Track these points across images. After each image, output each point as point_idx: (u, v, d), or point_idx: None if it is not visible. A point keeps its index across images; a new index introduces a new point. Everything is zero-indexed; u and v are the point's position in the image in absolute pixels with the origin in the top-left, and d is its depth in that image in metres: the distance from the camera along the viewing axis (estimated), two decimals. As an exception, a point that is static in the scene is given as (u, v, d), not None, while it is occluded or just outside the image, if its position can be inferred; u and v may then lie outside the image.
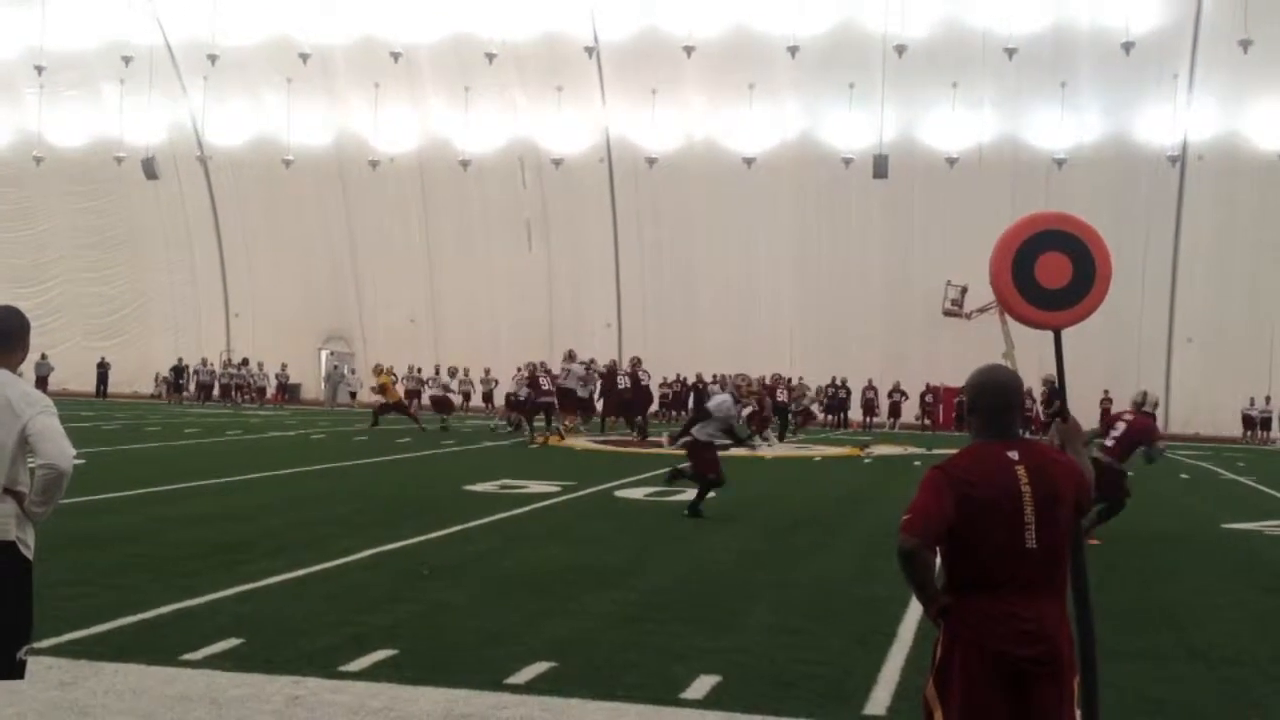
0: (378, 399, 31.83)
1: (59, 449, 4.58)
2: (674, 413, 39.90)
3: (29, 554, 4.71)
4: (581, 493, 15.92)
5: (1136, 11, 38.21)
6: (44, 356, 42.62)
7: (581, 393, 30.23)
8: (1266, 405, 38.03)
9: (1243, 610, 9.42)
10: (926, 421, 39.49)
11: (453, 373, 36.94)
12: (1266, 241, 38.55)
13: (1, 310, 4.86)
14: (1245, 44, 36.76)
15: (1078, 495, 4.04)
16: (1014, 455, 3.94)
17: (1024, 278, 5.53)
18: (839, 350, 40.77)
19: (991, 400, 4.09)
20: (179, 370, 46.13)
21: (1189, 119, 39.37)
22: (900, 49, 39.19)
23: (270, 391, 46.22)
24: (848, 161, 40.76)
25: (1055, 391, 17.32)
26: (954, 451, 4.09)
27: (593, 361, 32.09)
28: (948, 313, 35.18)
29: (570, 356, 31.18)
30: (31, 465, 4.67)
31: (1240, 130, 39.15)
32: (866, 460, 24.90)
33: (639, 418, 30.70)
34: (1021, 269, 5.53)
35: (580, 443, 26.44)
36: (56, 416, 4.72)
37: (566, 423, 29.26)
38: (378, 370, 31.99)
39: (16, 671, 4.71)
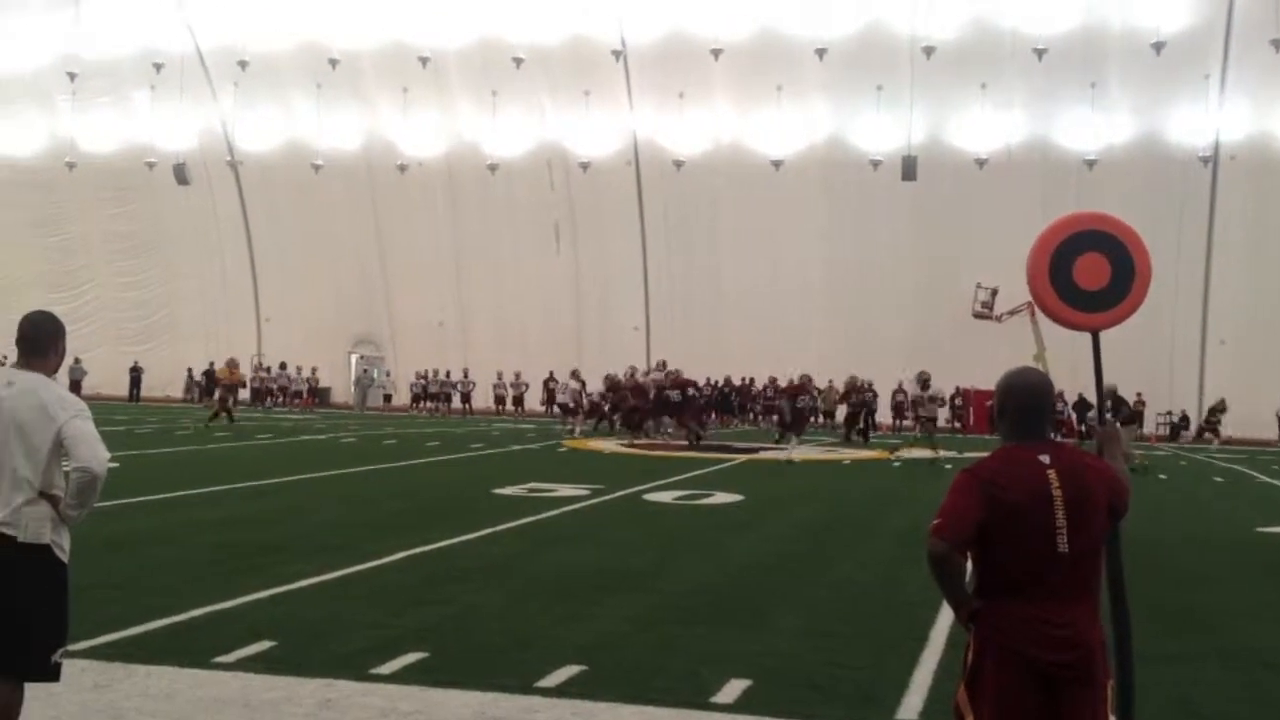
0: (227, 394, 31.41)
1: (93, 452, 4.61)
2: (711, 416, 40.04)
3: (64, 557, 4.74)
4: (610, 496, 15.92)
5: (1167, 11, 37.99)
6: (77, 361, 42.95)
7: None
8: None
9: (1277, 614, 9.32)
10: (957, 424, 39.28)
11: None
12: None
13: (36, 315, 4.89)
14: (1277, 43, 36.49)
15: (1111, 500, 3.99)
16: (1045, 459, 3.90)
17: (1062, 279, 5.46)
18: (867, 353, 40.58)
19: (1022, 403, 4.04)
20: (210, 374, 46.41)
21: (1221, 119, 39.11)
22: (928, 50, 39.07)
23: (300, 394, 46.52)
24: (876, 163, 40.66)
25: (1118, 399, 17.25)
26: (984, 454, 4.05)
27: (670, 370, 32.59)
28: (978, 315, 35.02)
29: (661, 366, 32.50)
30: (66, 469, 4.69)
31: (1273, 130, 38.88)
32: (896, 463, 24.81)
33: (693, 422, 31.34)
34: (1059, 270, 5.47)
35: (609, 446, 26.44)
36: (91, 420, 4.75)
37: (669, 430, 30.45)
38: (233, 364, 31.90)
39: (52, 674, 4.74)
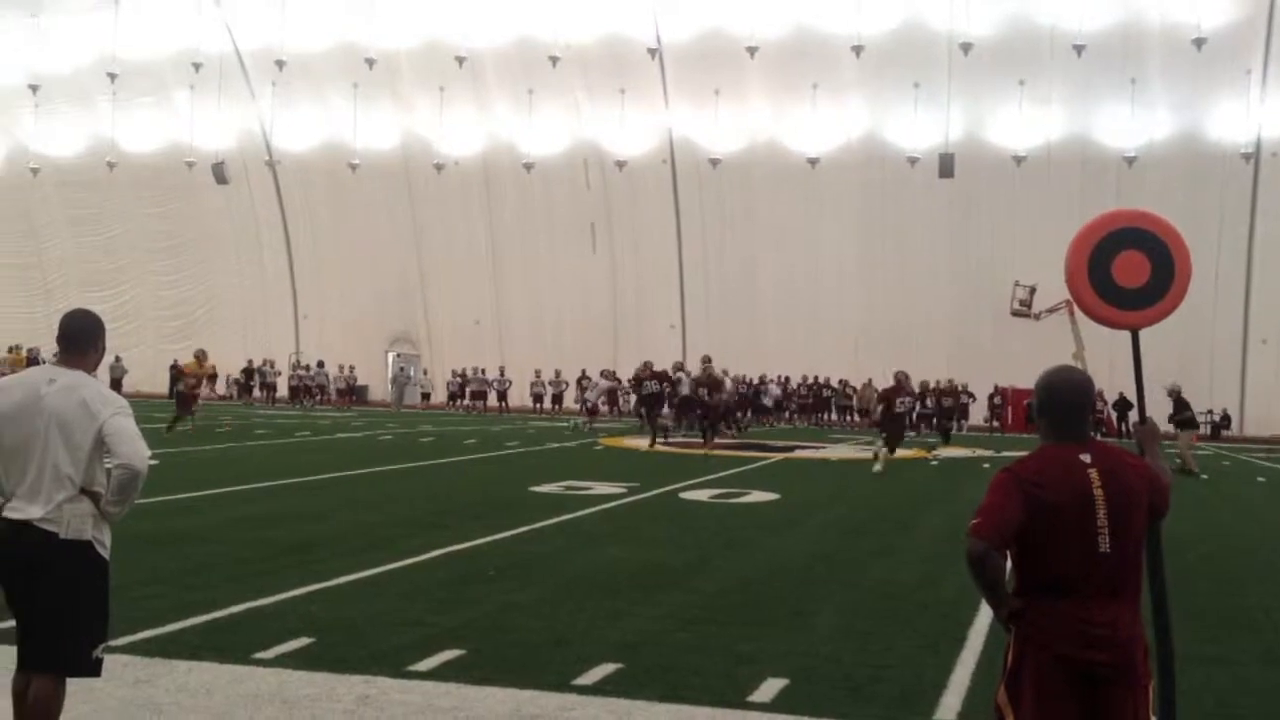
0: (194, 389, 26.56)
1: (134, 449, 4.65)
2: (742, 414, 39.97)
3: (105, 553, 4.78)
4: (646, 494, 15.92)
5: (1208, 7, 37.61)
6: (118, 359, 43.39)
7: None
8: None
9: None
10: (995, 423, 39.05)
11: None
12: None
13: (77, 313, 4.94)
14: (1320, 39, 36.12)
15: (1152, 499, 3.97)
16: (1086, 458, 3.87)
17: (1101, 276, 5.41)
18: (904, 351, 40.40)
19: (1063, 401, 4.01)
20: (249, 372, 46.80)
21: (1262, 115, 38.67)
22: (966, 47, 38.87)
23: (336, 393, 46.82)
24: (913, 161, 40.48)
25: (1182, 400, 17.05)
26: (1023, 454, 4.01)
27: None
28: (1016, 313, 34.86)
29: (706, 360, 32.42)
30: (107, 465, 4.73)
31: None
32: (934, 462, 24.68)
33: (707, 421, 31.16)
34: (1098, 267, 5.42)
35: (644, 444, 26.45)
36: (132, 417, 4.79)
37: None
38: (201, 356, 27.06)
39: (93, 669, 4.78)
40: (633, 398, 34.08)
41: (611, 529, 12.78)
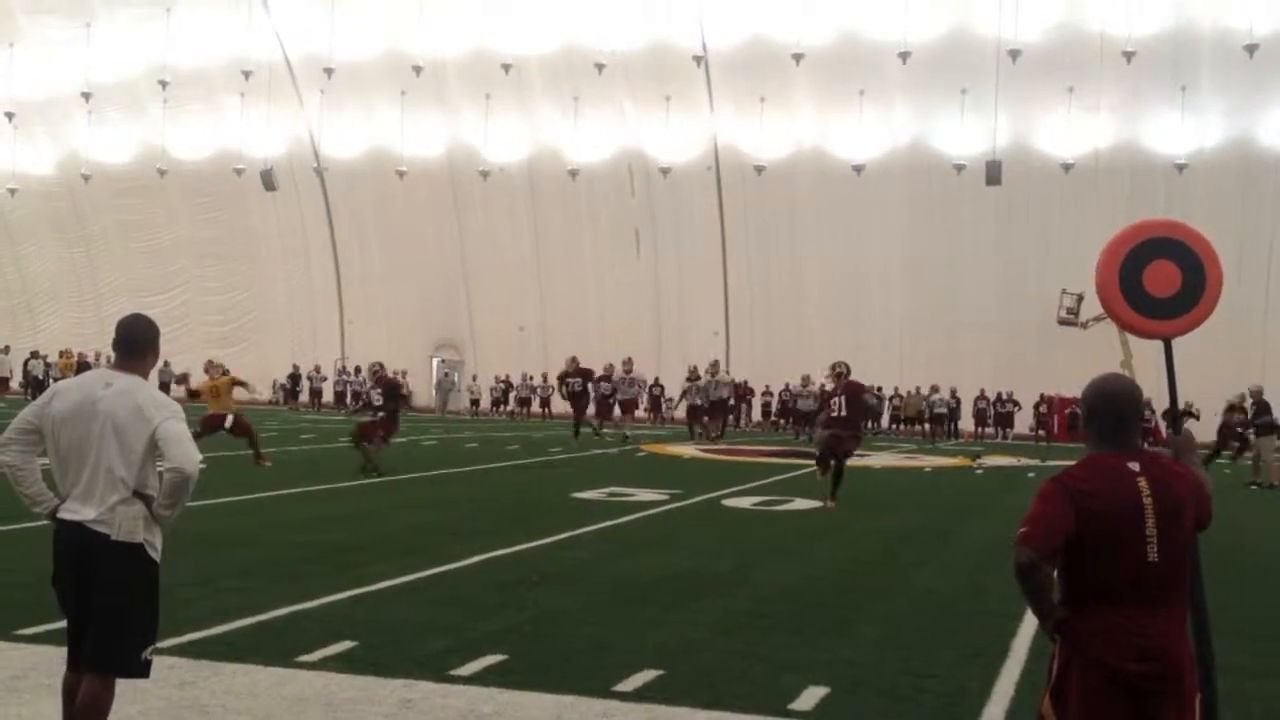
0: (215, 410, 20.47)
1: (185, 453, 4.73)
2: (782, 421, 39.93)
3: (156, 556, 4.86)
4: (688, 501, 15.93)
5: (1260, 12, 37.13)
6: (167, 364, 43.86)
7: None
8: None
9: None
10: (1041, 432, 38.76)
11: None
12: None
13: (131, 318, 5.03)
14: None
15: (1198, 508, 3.95)
16: (1135, 467, 3.86)
17: (1132, 286, 5.42)
18: (951, 359, 40.28)
19: (1112, 410, 4.00)
20: (295, 377, 47.17)
21: (1315, 121, 38.17)
22: (1014, 53, 38.58)
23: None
24: (960, 168, 40.23)
25: (1263, 404, 16.80)
26: (1069, 463, 4.01)
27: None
28: (1063, 321, 34.56)
29: (715, 368, 32.53)
30: (159, 469, 4.81)
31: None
32: (978, 471, 24.52)
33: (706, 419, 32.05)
34: (1129, 277, 5.42)
35: (688, 451, 26.46)
36: (184, 422, 4.87)
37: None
38: (211, 369, 21.71)
39: (142, 670, 4.85)
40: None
41: (653, 536, 12.80)
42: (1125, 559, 3.76)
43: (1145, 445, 4.15)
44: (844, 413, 15.85)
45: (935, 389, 39.70)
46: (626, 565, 10.65)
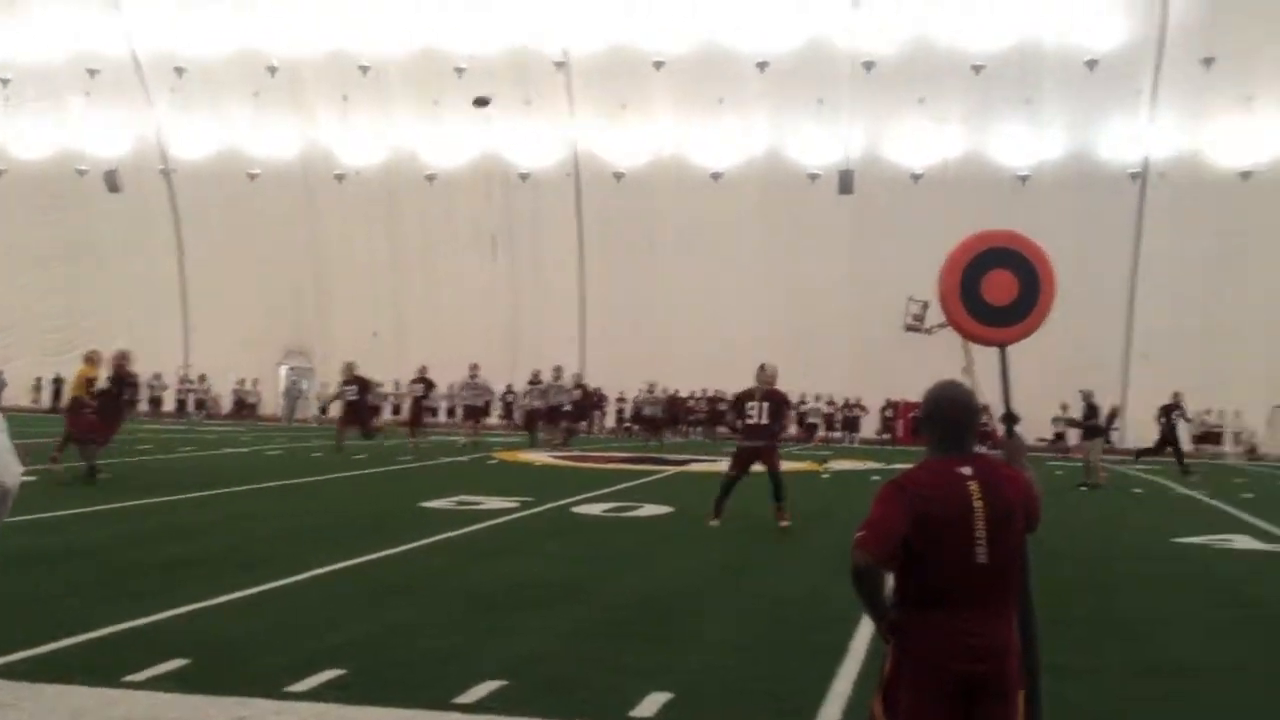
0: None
1: (4, 466, 4.53)
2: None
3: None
4: (539, 509, 15.85)
5: (1101, 29, 38.62)
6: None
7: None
8: (1216, 419, 38.45)
9: (1193, 624, 9.47)
10: (887, 436, 39.60)
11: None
12: (1225, 258, 38.89)
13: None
14: (1208, 61, 37.30)
15: (1027, 511, 4.07)
16: (967, 471, 3.96)
17: (971, 294, 5.58)
18: (806, 365, 40.77)
19: (946, 416, 4.10)
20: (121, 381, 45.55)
21: (1151, 136, 39.73)
22: (868, 65, 39.53)
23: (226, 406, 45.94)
24: (814, 177, 40.98)
25: (1092, 407, 17.17)
26: (910, 466, 4.10)
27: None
28: (909, 328, 35.26)
29: (558, 372, 32.37)
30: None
31: (1201, 148, 39.52)
32: (825, 476, 24.90)
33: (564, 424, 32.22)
34: (969, 285, 5.58)
35: (539, 458, 26.35)
36: (6, 433, 4.66)
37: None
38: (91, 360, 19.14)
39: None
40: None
41: (502, 545, 12.70)
42: (956, 561, 3.85)
43: (985, 448, 4.27)
44: (765, 420, 14.50)
45: (804, 398, 40.10)
46: (473, 575, 10.55)
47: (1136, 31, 38.78)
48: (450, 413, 36.51)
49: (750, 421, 14.45)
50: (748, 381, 14.99)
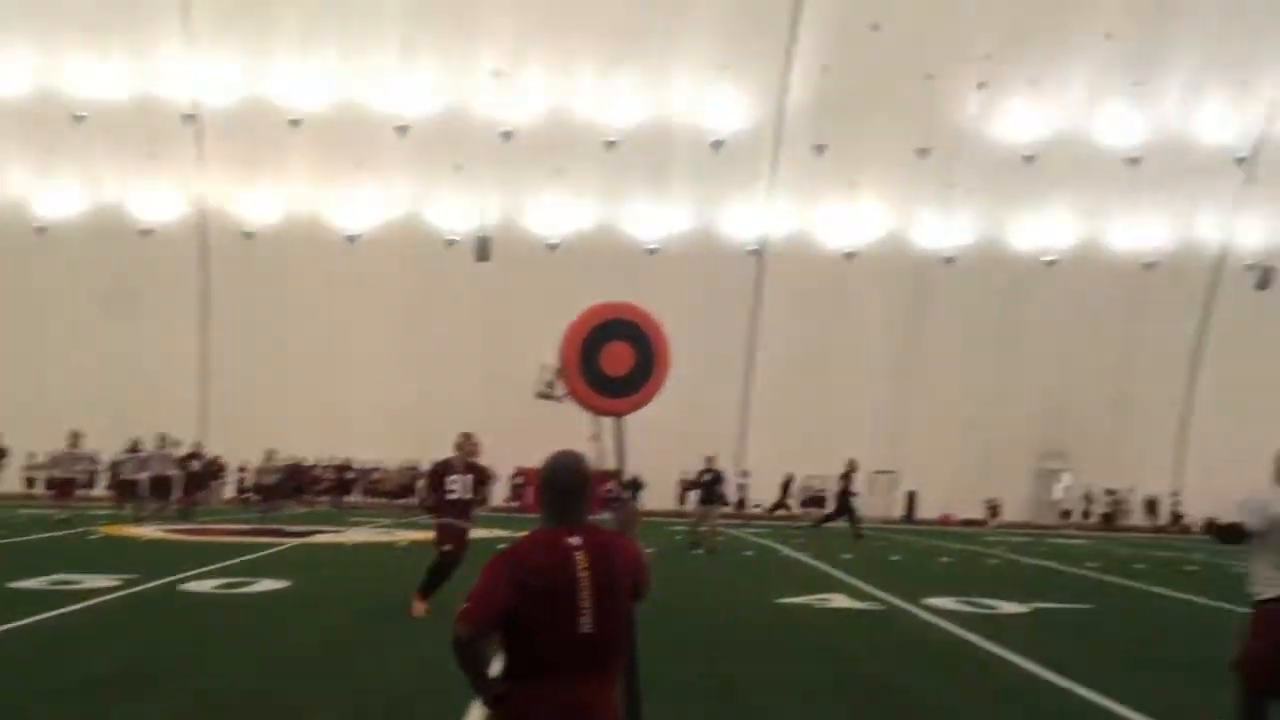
0: None
1: None
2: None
3: None
4: (143, 586, 14.72)
5: (726, 113, 40.75)
6: None
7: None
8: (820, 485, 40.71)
9: (792, 685, 9.75)
10: (515, 503, 39.76)
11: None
12: (832, 331, 41.62)
13: None
14: (819, 148, 40.05)
15: (635, 580, 4.12)
16: (575, 541, 3.99)
17: (591, 365, 5.57)
18: (441, 432, 40.20)
19: (559, 485, 4.12)
20: None
21: (769, 215, 42.09)
22: (506, 135, 39.98)
23: None
24: (451, 243, 40.94)
25: (716, 476, 17.25)
26: (521, 535, 4.09)
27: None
28: (541, 395, 35.58)
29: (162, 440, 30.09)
30: None
31: (813, 228, 42.27)
32: (447, 546, 24.16)
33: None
34: (589, 357, 5.57)
35: (149, 532, 24.66)
36: None
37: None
38: None
39: None
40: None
41: (98, 627, 11.68)
42: (560, 631, 3.87)
43: (604, 516, 4.34)
44: (469, 495, 13.23)
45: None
46: (64, 663, 9.59)
47: (758, 117, 41.15)
48: (50, 484, 33.46)
49: (453, 497, 13.13)
50: (380, 448, 14.53)
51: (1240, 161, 41.29)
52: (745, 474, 40.92)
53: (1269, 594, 6.93)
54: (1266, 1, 38.29)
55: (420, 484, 24.23)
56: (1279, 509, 6.87)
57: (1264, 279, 40.78)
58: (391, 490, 39.54)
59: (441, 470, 13.31)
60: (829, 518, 31.40)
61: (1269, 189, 41.23)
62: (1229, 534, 7.05)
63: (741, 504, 40.36)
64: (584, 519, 4.11)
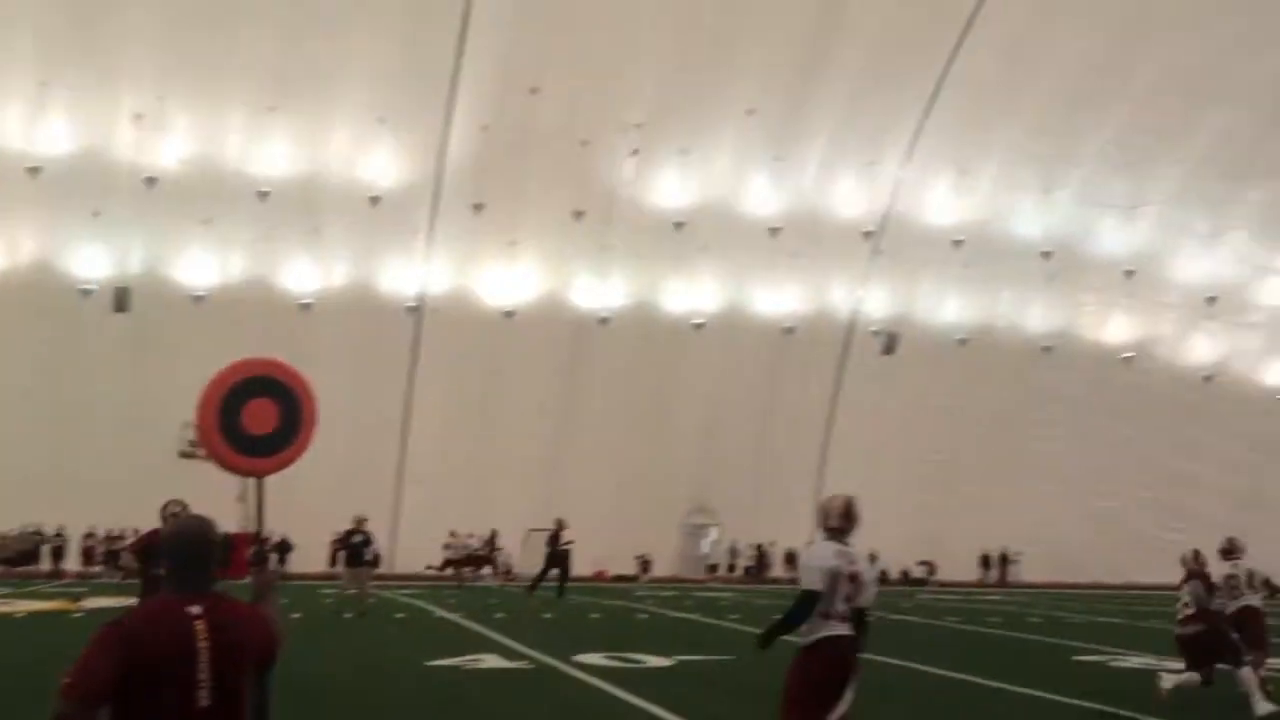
0: None
1: None
2: None
3: None
4: None
5: (383, 169, 40.40)
6: None
7: None
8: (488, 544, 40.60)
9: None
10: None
11: None
12: (489, 391, 41.74)
13: None
14: (478, 207, 40.35)
15: (261, 650, 3.98)
16: (196, 610, 3.81)
17: (231, 424, 5.38)
18: (78, 493, 37.55)
19: (181, 553, 3.95)
20: None
21: (428, 272, 41.92)
22: (150, 181, 38.16)
23: None
24: (87, 292, 38.54)
25: (365, 536, 16.64)
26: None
27: None
28: (184, 454, 34.02)
29: None
30: None
31: (472, 286, 42.38)
32: (78, 615, 22.62)
33: None
34: (229, 415, 5.37)
35: None
36: None
37: None
38: None
39: None
40: None
41: None
42: (174, 706, 3.70)
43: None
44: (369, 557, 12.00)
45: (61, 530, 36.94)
46: None
47: (416, 174, 40.94)
48: None
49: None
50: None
51: (868, 235, 44.51)
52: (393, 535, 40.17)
53: (808, 640, 7.05)
54: (890, 89, 41.47)
55: (125, 554, 22.47)
56: (833, 562, 6.96)
57: (889, 344, 44.12)
58: (10, 558, 36.74)
59: (152, 542, 11.30)
60: (541, 576, 31.48)
61: (893, 261, 44.63)
62: (800, 612, 7.01)
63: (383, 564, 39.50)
64: (209, 587, 3.95)
